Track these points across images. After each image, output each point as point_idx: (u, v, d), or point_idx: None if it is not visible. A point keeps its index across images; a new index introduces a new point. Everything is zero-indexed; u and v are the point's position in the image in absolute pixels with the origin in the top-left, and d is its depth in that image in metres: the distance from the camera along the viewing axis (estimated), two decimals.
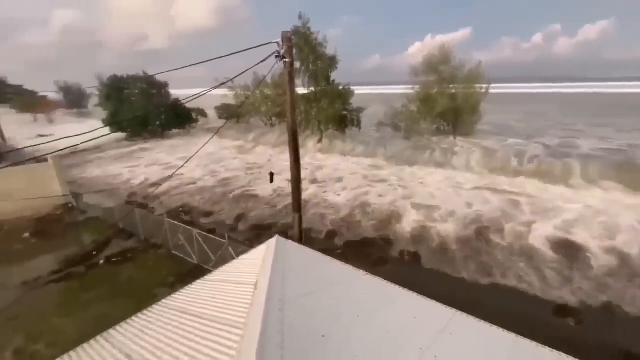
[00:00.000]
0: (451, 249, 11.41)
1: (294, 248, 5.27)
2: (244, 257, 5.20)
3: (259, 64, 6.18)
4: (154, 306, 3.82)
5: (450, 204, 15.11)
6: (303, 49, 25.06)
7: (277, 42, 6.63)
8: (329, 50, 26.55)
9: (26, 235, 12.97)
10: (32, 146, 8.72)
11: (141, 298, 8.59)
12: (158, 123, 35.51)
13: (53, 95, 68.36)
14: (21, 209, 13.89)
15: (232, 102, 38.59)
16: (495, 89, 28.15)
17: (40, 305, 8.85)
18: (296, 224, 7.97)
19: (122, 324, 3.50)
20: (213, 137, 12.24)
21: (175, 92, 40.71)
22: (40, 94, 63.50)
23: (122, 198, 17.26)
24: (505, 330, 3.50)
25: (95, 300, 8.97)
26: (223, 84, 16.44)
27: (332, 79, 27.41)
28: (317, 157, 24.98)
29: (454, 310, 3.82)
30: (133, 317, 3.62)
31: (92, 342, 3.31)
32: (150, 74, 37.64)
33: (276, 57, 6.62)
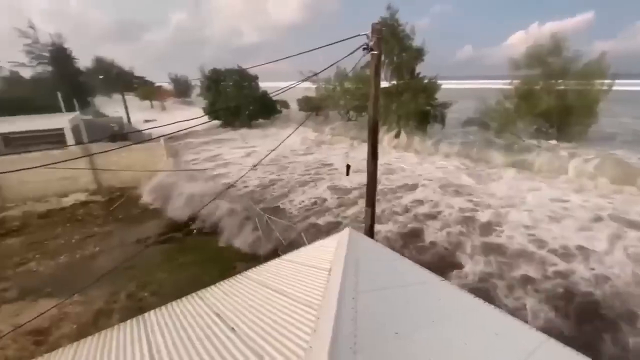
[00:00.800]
0: None
1: (366, 242, 5.26)
2: (316, 244, 5.39)
3: (347, 56, 6.24)
4: (237, 276, 4.25)
5: (562, 249, 10.01)
6: (389, 41, 24.39)
7: (366, 35, 6.60)
8: (417, 42, 25.36)
9: (141, 201, 15.69)
10: (149, 129, 10.54)
11: (224, 267, 9.68)
12: (247, 113, 38.76)
13: (166, 85, 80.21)
14: (139, 179, 16.83)
15: (314, 94, 39.89)
16: (624, 85, 23.15)
17: (148, 260, 10.63)
18: (368, 218, 7.96)
19: (212, 286, 3.99)
20: (292, 134, 12.40)
21: (263, 85, 43.84)
22: (157, 84, 75.01)
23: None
24: None
25: (189, 263, 10.41)
26: (309, 77, 17.03)
27: (417, 72, 26.17)
28: (391, 157, 23.26)
29: (545, 335, 3.35)
30: (220, 282, 4.09)
31: (188, 297, 3.85)
32: (243, 67, 41.16)
33: (364, 49, 6.59)
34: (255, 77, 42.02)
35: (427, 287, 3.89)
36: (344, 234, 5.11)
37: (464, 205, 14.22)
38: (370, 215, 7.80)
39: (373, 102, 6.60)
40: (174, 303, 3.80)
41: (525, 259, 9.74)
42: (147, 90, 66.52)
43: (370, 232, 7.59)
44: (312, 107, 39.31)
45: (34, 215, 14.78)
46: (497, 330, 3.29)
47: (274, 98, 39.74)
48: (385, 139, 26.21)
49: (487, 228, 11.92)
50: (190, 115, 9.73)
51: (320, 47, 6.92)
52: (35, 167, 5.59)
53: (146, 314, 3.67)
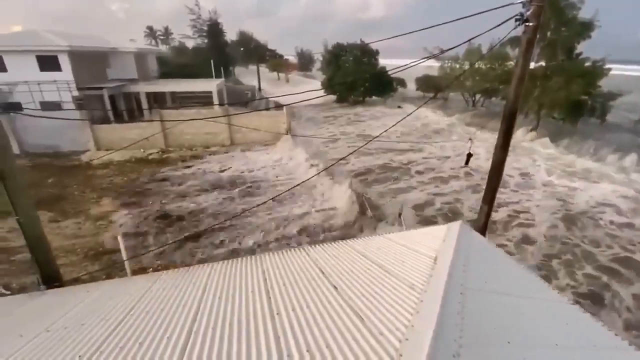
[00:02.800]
0: None
1: (478, 239, 4.76)
2: (421, 230, 5.17)
3: (495, 27, 5.44)
4: (339, 241, 4.47)
5: None
6: (545, 11, 20.04)
7: (522, 2, 5.65)
8: (583, 13, 20.21)
9: None
10: (276, 96, 11.78)
11: None
12: (362, 89, 38.57)
13: (291, 59, 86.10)
14: (263, 138, 19.38)
15: (436, 74, 36.72)
16: None
17: None
18: (482, 216, 7.18)
19: (316, 245, 4.32)
20: (408, 116, 11.50)
21: (383, 61, 42.57)
22: (285, 57, 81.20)
23: None
24: None
25: None
26: (437, 55, 15.72)
27: (576, 51, 21.08)
28: (519, 157, 18.08)
29: None
30: (324, 244, 4.39)
31: (295, 249, 4.29)
32: (366, 42, 40.62)
33: (516, 20, 5.67)
34: (376, 53, 40.99)
35: (551, 306, 3.32)
36: (454, 226, 4.73)
37: None
38: (486, 214, 7.00)
39: (516, 84, 5.66)
40: (283, 251, 4.29)
41: None
42: (276, 63, 72.88)
43: (482, 231, 6.85)
44: (432, 88, 36.41)
45: (185, 158, 18.65)
46: None
47: (392, 75, 38.27)
48: (519, 132, 21.87)
49: None
50: (310, 89, 10.43)
51: (462, 18, 6.20)
52: (197, 120, 7.01)
53: (261, 255, 4.26)
